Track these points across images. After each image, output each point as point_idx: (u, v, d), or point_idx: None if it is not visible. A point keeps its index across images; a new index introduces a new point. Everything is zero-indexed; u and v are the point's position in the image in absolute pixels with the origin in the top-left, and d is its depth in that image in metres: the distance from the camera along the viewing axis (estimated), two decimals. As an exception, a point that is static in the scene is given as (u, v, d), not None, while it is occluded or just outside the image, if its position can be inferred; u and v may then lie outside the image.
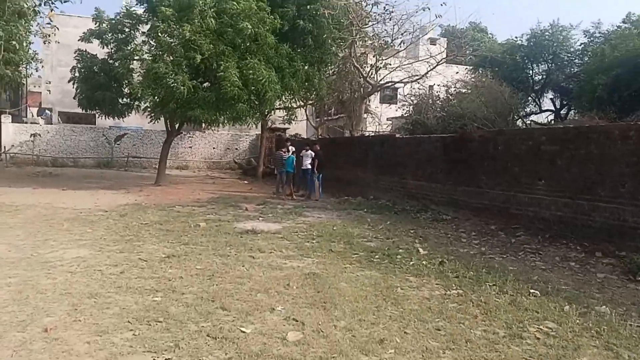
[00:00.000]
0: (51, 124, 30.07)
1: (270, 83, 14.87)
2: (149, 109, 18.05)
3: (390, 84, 20.34)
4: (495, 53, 29.14)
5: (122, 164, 27.92)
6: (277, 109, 20.19)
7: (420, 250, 8.30)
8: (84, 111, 21.06)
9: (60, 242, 7.77)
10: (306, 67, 17.19)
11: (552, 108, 30.93)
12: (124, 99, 19.35)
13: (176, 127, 19.77)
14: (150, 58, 15.88)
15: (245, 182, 21.94)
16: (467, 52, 26.21)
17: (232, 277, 6.08)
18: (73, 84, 18.82)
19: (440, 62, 21.83)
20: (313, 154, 16.89)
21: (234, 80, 14.26)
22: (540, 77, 29.93)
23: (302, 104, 22.41)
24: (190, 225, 9.66)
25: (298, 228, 10.07)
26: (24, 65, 26.03)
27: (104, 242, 7.90)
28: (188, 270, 6.28)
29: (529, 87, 30.12)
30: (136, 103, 19.45)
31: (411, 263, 7.40)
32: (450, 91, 21.56)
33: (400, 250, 8.20)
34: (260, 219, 11.10)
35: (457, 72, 26.73)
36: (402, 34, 19.06)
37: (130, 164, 28.16)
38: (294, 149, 17.17)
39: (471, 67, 29.59)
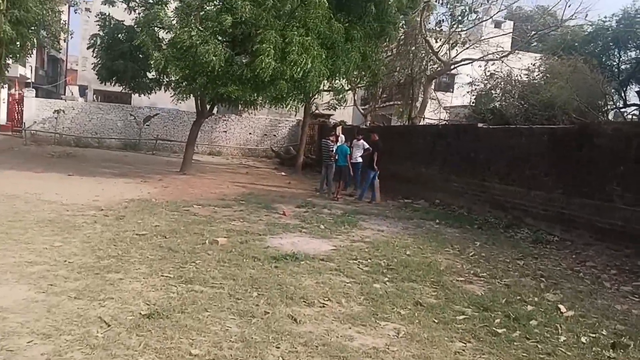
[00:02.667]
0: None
1: (313, 64, 11.78)
2: (173, 85, 15.35)
3: (467, 61, 16.88)
4: (575, 38, 25.21)
5: (150, 146, 25.54)
6: (324, 90, 17.12)
7: (561, 307, 5.15)
8: (121, 89, 18.62)
9: (-1, 267, 5.01)
10: (362, 45, 13.93)
11: (638, 102, 26.74)
12: (151, 73, 16.78)
13: (207, 108, 17.04)
14: (177, 24, 13.04)
15: (283, 173, 19.05)
16: (536, 36, 22.50)
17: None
18: (93, 51, 16.35)
19: (521, 46, 18.31)
20: (365, 144, 13.82)
21: (267, 59, 11.23)
22: (627, 65, 25.75)
23: (352, 86, 19.25)
24: (204, 240, 6.76)
25: (356, 250, 7.04)
26: (51, 34, 24.07)
27: (65, 270, 5.09)
28: None
29: (613, 77, 25.97)
30: (165, 79, 16.87)
31: (561, 340, 4.30)
32: (533, 76, 18.02)
33: (530, 309, 5.06)
34: (302, 230, 8.12)
35: (519, 59, 22.83)
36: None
37: (159, 147, 25.74)
38: (344, 138, 14.10)
39: (540, 56, 25.60)
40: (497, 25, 27.81)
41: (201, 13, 12.56)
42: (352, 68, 13.39)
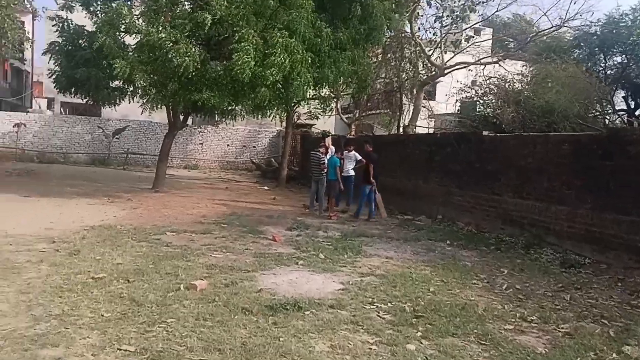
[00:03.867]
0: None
1: (296, 69, 10.48)
2: (140, 93, 13.84)
3: (462, 66, 15.80)
4: (560, 44, 24.53)
5: (121, 161, 23.81)
6: (309, 99, 15.82)
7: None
8: (85, 100, 16.89)
9: None
10: (350, 49, 12.70)
11: (625, 108, 26.19)
12: (116, 82, 15.19)
13: (181, 119, 15.55)
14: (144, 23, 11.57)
15: (266, 188, 17.63)
16: (514, 45, 21.77)
17: None
18: (50, 58, 14.72)
19: (510, 55, 17.37)
20: (358, 156, 12.56)
21: (245, 57, 9.90)
22: (612, 70, 25.17)
23: (336, 95, 17.97)
24: (179, 284, 5.33)
25: (369, 288, 5.69)
26: (10, 43, 22.25)
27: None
28: None
29: (599, 82, 25.31)
30: (129, 88, 15.30)
31: None
32: (527, 81, 17.07)
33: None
34: (299, 262, 6.74)
35: (508, 65, 21.88)
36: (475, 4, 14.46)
37: (131, 161, 24.06)
38: (334, 149, 12.81)
39: (523, 64, 24.79)
40: (477, 32, 27.09)
41: (173, 12, 11.15)
42: (340, 76, 12.11)
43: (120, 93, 15.75)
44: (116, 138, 24.32)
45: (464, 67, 15.93)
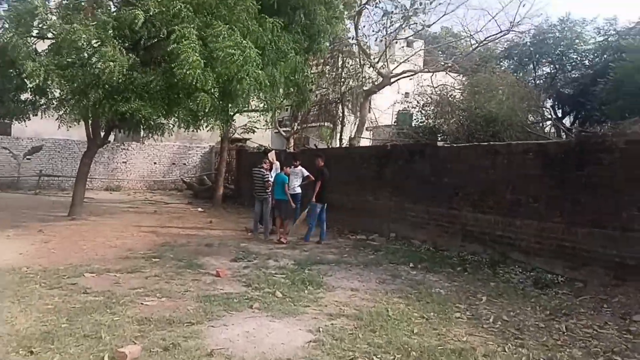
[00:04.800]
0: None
1: (247, 65, 9.36)
2: (55, 105, 12.12)
3: (409, 74, 15.25)
4: (492, 55, 25.06)
5: (33, 184, 21.26)
6: (248, 110, 14.66)
7: None
8: None
9: None
10: (294, 54, 11.76)
11: (551, 116, 27.17)
12: (27, 94, 13.27)
13: (101, 134, 13.84)
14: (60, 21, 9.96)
15: (200, 209, 16.15)
16: (444, 58, 21.96)
17: None
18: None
19: (450, 66, 17.20)
20: (305, 171, 11.59)
21: (193, 57, 8.69)
22: (541, 80, 26.08)
23: (274, 106, 16.89)
24: (103, 353, 4.02)
25: (346, 337, 4.65)
26: None
27: None
28: None
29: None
30: (41, 100, 13.44)
31: None
32: (467, 91, 16.93)
33: None
34: (253, 305, 5.57)
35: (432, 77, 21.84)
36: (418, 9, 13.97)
37: (44, 184, 21.56)
38: (279, 165, 11.71)
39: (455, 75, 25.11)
40: (409, 44, 27.21)
41: (95, 8, 9.68)
42: (285, 76, 11.06)
43: (32, 106, 13.82)
44: (27, 159, 21.77)
45: (412, 74, 15.45)
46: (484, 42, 16.74)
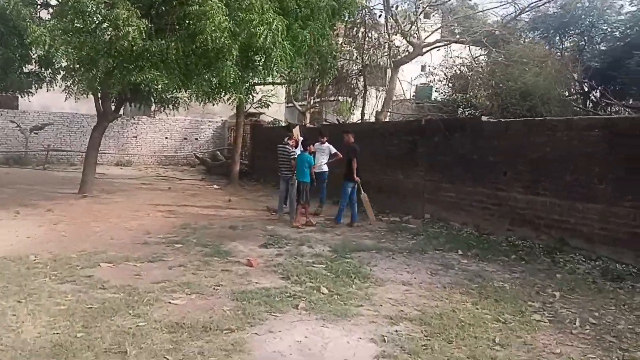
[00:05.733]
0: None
1: (277, 36, 8.36)
2: (62, 75, 11.24)
3: (442, 43, 14.18)
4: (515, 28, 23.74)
5: (41, 159, 20.54)
6: (267, 83, 13.68)
7: None
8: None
9: None
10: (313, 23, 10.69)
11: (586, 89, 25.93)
12: (32, 65, 12.40)
13: (112, 108, 12.98)
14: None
15: (216, 186, 15.38)
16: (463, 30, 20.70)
17: None
18: None
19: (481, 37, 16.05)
20: (332, 148, 10.74)
21: (219, 18, 7.73)
22: (568, 52, 24.78)
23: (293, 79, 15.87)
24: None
25: (418, 348, 3.87)
26: None
27: None
28: None
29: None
30: (46, 72, 12.57)
31: None
32: (498, 63, 15.83)
33: None
34: (298, 305, 4.78)
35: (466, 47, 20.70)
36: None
37: (53, 159, 20.83)
38: (301, 140, 10.78)
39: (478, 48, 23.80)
40: (426, 16, 25.93)
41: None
42: (311, 46, 10.05)
43: (37, 79, 12.97)
44: (35, 133, 21.01)
45: (446, 44, 14.38)
46: (527, 9, 15.44)
